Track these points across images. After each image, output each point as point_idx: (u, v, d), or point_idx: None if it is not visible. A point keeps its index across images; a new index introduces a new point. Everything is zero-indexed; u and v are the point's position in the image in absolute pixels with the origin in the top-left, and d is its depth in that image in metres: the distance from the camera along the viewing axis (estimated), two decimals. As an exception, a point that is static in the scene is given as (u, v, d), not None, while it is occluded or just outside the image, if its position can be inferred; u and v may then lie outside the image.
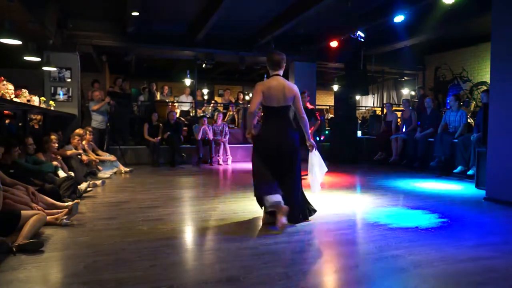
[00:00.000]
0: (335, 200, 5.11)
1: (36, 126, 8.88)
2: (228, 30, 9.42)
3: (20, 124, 7.43)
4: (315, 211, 4.09)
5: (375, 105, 15.23)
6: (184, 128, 10.19)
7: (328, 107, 14.12)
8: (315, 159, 4.02)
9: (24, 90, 5.62)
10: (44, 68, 8.04)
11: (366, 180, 7.02)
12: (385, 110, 10.24)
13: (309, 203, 4.09)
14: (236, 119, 11.41)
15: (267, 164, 3.79)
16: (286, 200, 3.64)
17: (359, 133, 11.05)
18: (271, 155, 3.80)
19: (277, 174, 3.79)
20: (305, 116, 3.90)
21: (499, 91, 5.02)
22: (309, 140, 3.97)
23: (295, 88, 3.86)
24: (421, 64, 11.88)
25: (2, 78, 5.18)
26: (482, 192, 5.43)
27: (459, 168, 7.03)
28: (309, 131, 4.00)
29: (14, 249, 2.87)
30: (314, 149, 4.01)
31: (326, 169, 4.08)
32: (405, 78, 13.25)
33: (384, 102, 13.23)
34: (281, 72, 3.91)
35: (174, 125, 9.35)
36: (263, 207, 3.86)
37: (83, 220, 3.90)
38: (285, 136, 3.83)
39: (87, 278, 2.49)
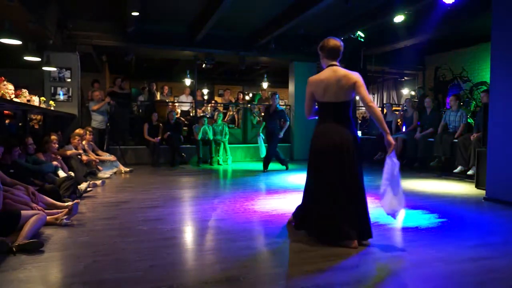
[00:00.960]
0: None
1: (36, 126, 8.89)
2: (228, 30, 9.42)
3: (20, 124, 7.43)
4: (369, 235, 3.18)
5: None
6: (184, 128, 10.19)
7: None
8: (390, 169, 3.12)
9: (24, 90, 5.62)
10: (44, 68, 8.04)
11: (365, 180, 6.98)
12: (385, 110, 10.24)
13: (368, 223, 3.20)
14: (236, 119, 11.41)
15: (323, 179, 3.18)
16: (339, 214, 3.11)
17: (359, 133, 11.04)
18: (327, 162, 3.17)
19: (334, 186, 3.15)
20: (373, 105, 3.12)
21: (499, 91, 5.02)
22: (386, 137, 3.10)
23: (355, 75, 3.14)
24: (421, 64, 11.88)
25: (3, 78, 5.18)
26: (482, 192, 5.43)
27: (459, 168, 7.03)
28: (384, 125, 3.09)
29: (14, 249, 2.86)
30: (392, 151, 3.10)
31: (402, 199, 3.12)
32: (405, 78, 13.25)
33: (384, 102, 13.24)
34: (337, 62, 3.29)
35: (174, 125, 9.35)
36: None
37: (83, 220, 3.90)
38: (344, 136, 3.15)
39: (87, 278, 2.49)
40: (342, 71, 3.20)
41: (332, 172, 3.16)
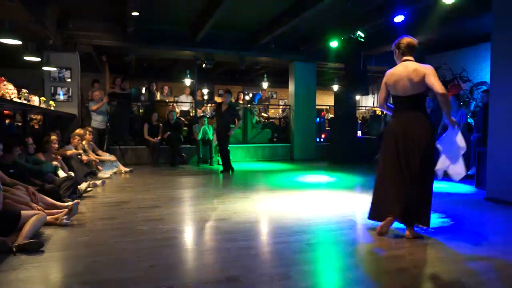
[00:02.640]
0: (335, 200, 5.10)
1: (36, 126, 8.89)
2: (228, 30, 9.42)
3: (19, 124, 7.44)
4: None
5: (375, 105, 15.23)
6: (184, 128, 10.19)
7: (328, 107, 14.13)
8: (455, 138, 3.38)
9: (24, 90, 5.62)
10: (44, 68, 8.04)
11: (366, 180, 7.01)
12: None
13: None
14: (236, 119, 11.38)
15: (394, 169, 3.34)
16: (406, 197, 3.29)
17: (359, 133, 11.04)
18: (398, 153, 3.33)
19: (404, 176, 3.31)
20: (442, 91, 3.21)
21: (499, 91, 5.02)
22: (449, 118, 3.38)
23: (424, 67, 3.30)
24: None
25: (3, 78, 5.18)
26: (482, 192, 5.43)
27: (459, 168, 7.02)
28: (447, 111, 3.35)
29: (14, 249, 2.86)
30: (456, 126, 3.40)
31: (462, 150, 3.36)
32: (405, 78, 13.21)
33: (384, 102, 13.19)
34: (411, 58, 3.44)
35: (174, 125, 9.35)
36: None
37: (83, 220, 3.90)
38: (416, 127, 3.30)
39: (87, 278, 2.49)
40: (413, 65, 3.34)
41: (401, 158, 3.32)
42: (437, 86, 3.21)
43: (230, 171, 7.82)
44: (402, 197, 3.31)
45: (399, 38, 3.55)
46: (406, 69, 3.34)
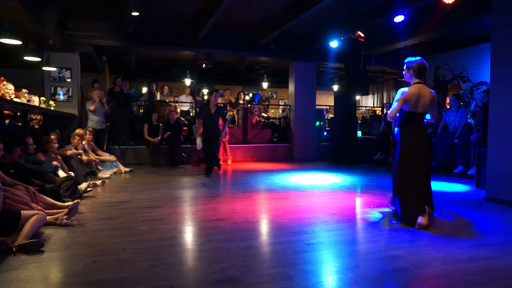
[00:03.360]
0: (335, 200, 5.11)
1: (36, 126, 8.88)
2: (228, 30, 9.42)
3: (19, 124, 7.43)
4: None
5: (375, 105, 15.23)
6: (184, 128, 10.19)
7: (328, 107, 14.13)
8: None
9: (24, 90, 5.62)
10: (44, 68, 8.04)
11: (366, 180, 7.02)
12: (385, 110, 10.25)
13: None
14: (236, 119, 11.40)
15: (412, 171, 3.90)
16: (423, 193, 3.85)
17: (359, 133, 11.04)
18: (415, 158, 3.91)
19: (418, 176, 3.90)
20: (437, 121, 4.41)
21: (499, 91, 5.02)
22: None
23: (434, 96, 3.95)
24: (421, 64, 11.84)
25: (3, 78, 5.18)
26: (482, 192, 5.43)
27: (459, 168, 7.03)
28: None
29: (14, 249, 2.87)
30: None
31: None
32: (405, 78, 13.22)
33: (384, 102, 13.24)
34: (421, 81, 3.98)
35: (174, 125, 9.35)
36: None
37: (83, 220, 3.90)
38: (425, 137, 4.00)
39: (87, 278, 2.49)
40: (425, 90, 3.91)
41: (418, 163, 3.89)
42: (436, 117, 4.13)
43: (218, 166, 7.66)
44: (422, 195, 3.84)
45: (414, 60, 3.94)
46: (424, 90, 3.88)
